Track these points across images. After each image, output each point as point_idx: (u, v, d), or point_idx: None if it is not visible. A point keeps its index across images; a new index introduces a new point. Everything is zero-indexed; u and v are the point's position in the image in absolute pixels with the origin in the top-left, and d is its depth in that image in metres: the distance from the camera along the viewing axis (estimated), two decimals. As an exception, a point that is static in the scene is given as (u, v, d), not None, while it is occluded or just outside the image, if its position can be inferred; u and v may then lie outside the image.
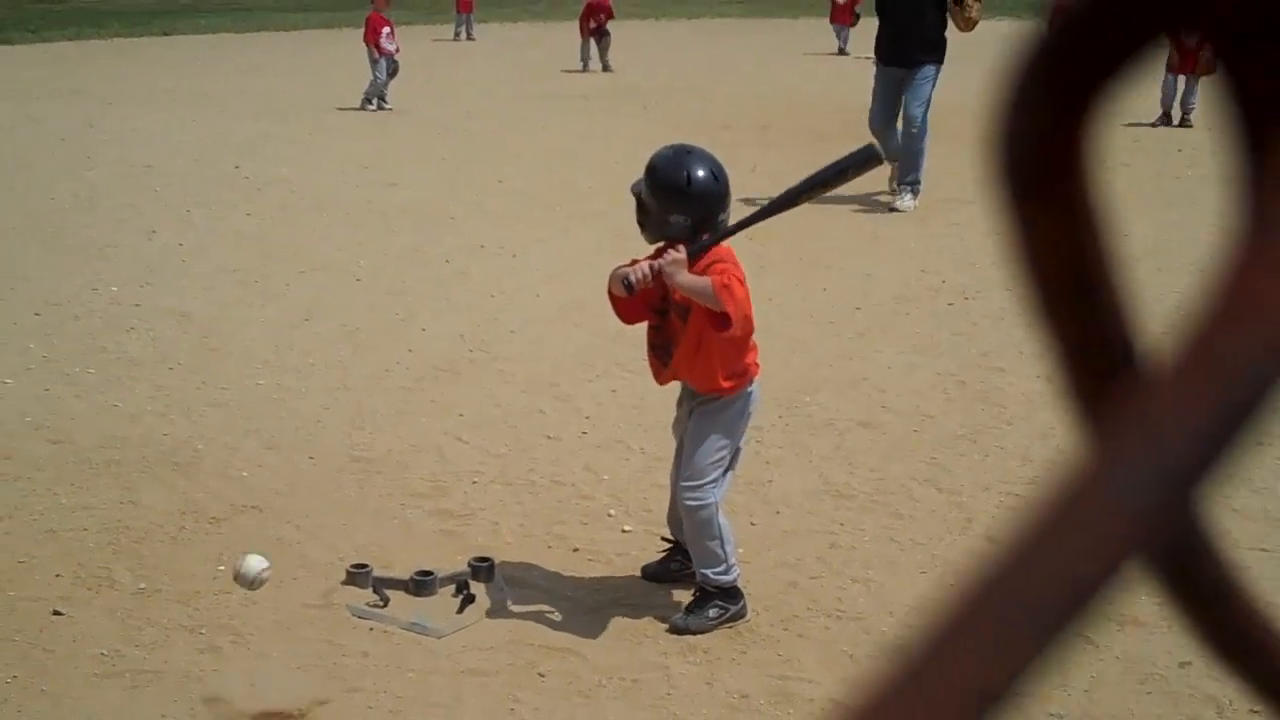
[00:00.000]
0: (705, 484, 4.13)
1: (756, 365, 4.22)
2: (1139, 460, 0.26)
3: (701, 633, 4.16)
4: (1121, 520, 0.25)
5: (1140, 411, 0.26)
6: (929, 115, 10.86)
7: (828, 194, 4.24)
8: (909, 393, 6.33)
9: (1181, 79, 15.01)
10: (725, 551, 4.17)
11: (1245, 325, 0.27)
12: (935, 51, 10.78)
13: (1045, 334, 0.31)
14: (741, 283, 3.96)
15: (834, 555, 4.69)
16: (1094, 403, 0.31)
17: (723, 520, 4.17)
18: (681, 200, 4.05)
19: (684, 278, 3.94)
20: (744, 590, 4.25)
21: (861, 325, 7.47)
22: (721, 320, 3.92)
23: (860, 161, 4.10)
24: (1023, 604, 0.25)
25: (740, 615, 4.22)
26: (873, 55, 11.16)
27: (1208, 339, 0.27)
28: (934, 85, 10.86)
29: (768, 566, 4.55)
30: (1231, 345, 0.27)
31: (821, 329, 7.39)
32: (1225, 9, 0.30)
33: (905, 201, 10.96)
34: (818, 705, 3.79)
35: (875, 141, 4.17)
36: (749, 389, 4.19)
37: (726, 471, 4.21)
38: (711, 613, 4.19)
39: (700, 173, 4.08)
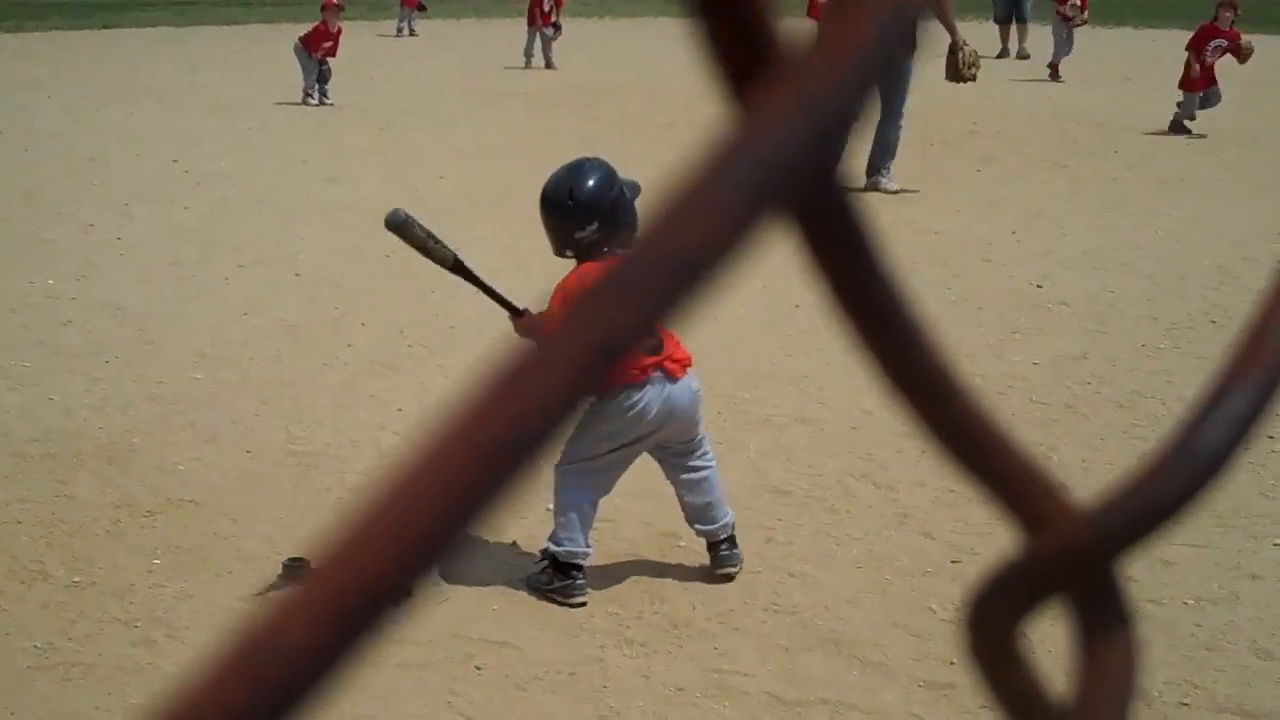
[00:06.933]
0: (573, 460, 4.26)
1: (640, 371, 4.13)
2: (786, 113, 0.28)
3: (534, 590, 4.34)
4: (767, 171, 0.28)
5: (787, 75, 0.29)
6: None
7: None
8: (848, 390, 6.36)
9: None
10: (570, 523, 4.30)
11: None
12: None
13: (699, 26, 0.33)
14: (551, 315, 4.01)
15: (770, 550, 4.72)
16: (742, 83, 0.33)
17: (577, 500, 4.31)
18: (578, 214, 4.21)
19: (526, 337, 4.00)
20: (584, 577, 4.36)
21: (802, 323, 7.51)
22: None
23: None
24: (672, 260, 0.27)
25: (565, 593, 4.31)
26: None
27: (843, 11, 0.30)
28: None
29: (705, 561, 4.57)
30: (870, 5, 0.30)
31: (761, 326, 7.42)
32: None
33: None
34: (753, 698, 3.82)
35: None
36: (623, 390, 4.15)
37: (609, 470, 4.32)
38: (544, 577, 4.36)
39: (589, 183, 4.19)
